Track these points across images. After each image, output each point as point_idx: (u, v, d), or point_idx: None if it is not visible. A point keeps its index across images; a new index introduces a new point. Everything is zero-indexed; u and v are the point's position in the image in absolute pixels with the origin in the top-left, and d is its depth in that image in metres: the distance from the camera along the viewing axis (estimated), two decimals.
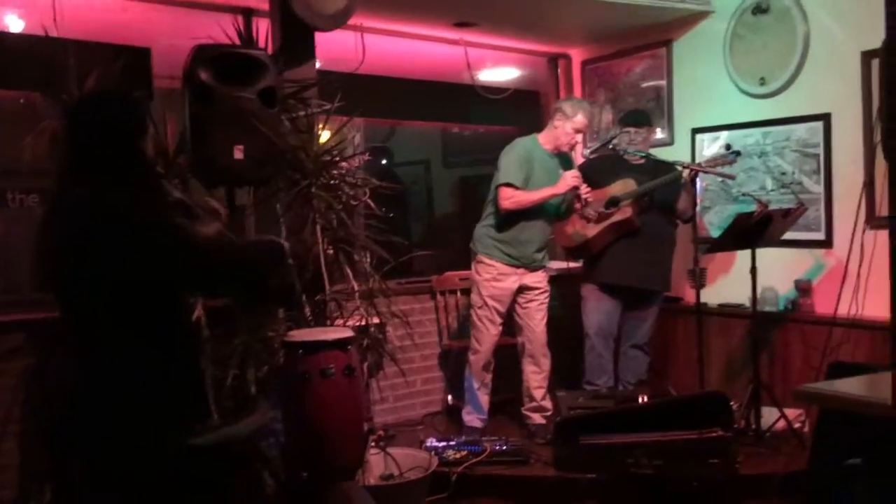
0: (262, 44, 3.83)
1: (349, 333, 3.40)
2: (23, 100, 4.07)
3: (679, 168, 4.46)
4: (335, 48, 4.46)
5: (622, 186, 4.59)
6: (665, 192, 4.57)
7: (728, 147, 4.53)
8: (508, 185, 4.35)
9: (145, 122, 2.37)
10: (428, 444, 4.14)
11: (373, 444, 3.81)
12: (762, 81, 4.80)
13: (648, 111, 5.14)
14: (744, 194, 4.86)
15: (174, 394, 2.20)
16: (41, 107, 3.54)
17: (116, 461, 2.11)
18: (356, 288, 3.85)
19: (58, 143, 2.40)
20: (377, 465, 3.79)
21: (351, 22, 4.13)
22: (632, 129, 4.69)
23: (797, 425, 4.11)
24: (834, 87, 4.46)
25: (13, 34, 4.33)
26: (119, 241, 2.10)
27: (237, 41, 3.75)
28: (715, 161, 4.48)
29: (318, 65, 4.25)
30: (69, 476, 2.24)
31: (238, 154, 3.37)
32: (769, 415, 4.18)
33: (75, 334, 2.23)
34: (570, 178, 4.35)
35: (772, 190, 4.76)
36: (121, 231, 2.11)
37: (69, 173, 2.28)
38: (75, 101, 2.54)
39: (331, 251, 3.86)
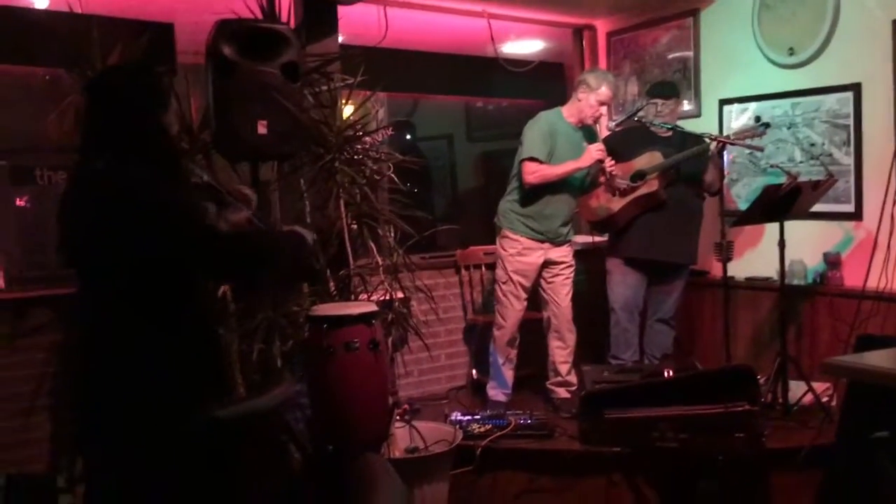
0: (284, 18, 3.82)
1: (373, 308, 3.41)
2: (48, 76, 4.10)
3: (707, 140, 4.40)
4: (357, 22, 4.44)
5: (648, 159, 4.54)
6: (692, 165, 4.51)
7: (757, 119, 4.47)
8: (532, 159, 4.32)
9: (166, 96, 2.35)
10: (452, 417, 4.15)
11: (398, 417, 3.82)
12: (791, 51, 4.71)
13: (675, 82, 5.07)
14: (772, 166, 4.79)
15: (194, 368, 2.20)
16: (66, 83, 3.55)
17: (139, 436, 2.12)
18: (380, 262, 3.86)
19: (80, 118, 2.37)
20: (402, 438, 3.81)
21: None
22: (659, 101, 4.63)
23: (825, 399, 4.07)
24: (864, 57, 4.37)
25: (38, 10, 4.35)
26: (132, 219, 2.10)
27: (260, 16, 3.74)
28: (744, 133, 4.41)
29: (340, 39, 4.24)
30: (94, 450, 2.25)
31: (262, 129, 3.38)
32: (796, 388, 4.15)
33: (94, 309, 2.23)
34: (595, 151, 4.32)
35: (801, 161, 4.69)
36: (134, 209, 2.10)
37: (89, 147, 2.27)
38: (96, 74, 2.51)
39: (354, 226, 3.88)
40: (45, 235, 5.41)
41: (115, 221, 2.11)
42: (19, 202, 5.59)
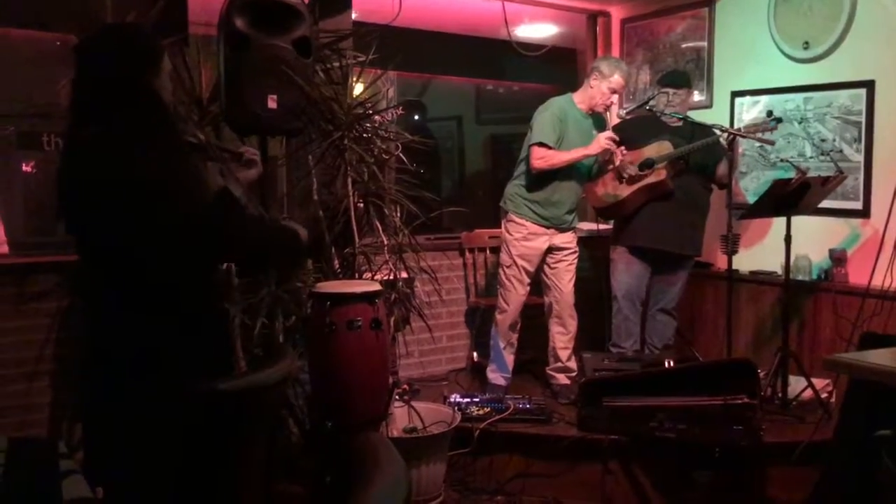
0: None
1: (377, 287, 3.41)
2: (59, 42, 4.08)
3: (717, 132, 4.38)
4: None
5: (657, 148, 4.52)
6: (701, 156, 4.50)
7: (769, 113, 4.44)
8: (541, 144, 4.31)
9: (157, 59, 2.24)
10: (452, 399, 4.16)
11: (397, 397, 3.83)
12: (806, 45, 4.69)
13: (688, 72, 5.05)
14: (782, 160, 4.78)
15: (198, 339, 2.20)
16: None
17: (140, 404, 2.12)
18: (385, 242, 3.85)
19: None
20: (401, 418, 3.82)
21: None
22: (670, 90, 4.60)
23: (824, 395, 4.08)
24: (879, 54, 4.35)
25: None
26: (117, 193, 2.05)
27: None
28: (755, 127, 4.39)
29: (353, 16, 4.22)
30: (96, 418, 2.25)
31: (272, 103, 3.37)
32: (796, 384, 4.16)
33: (95, 277, 2.22)
34: (604, 139, 4.30)
35: (811, 157, 4.67)
36: (125, 178, 2.05)
37: (80, 111, 2.20)
38: (85, 35, 2.42)
39: (361, 204, 3.87)
40: (51, 201, 5.43)
41: (103, 195, 2.07)
42: (26, 168, 5.59)
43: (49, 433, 3.73)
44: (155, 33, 2.38)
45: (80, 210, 2.16)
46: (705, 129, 4.46)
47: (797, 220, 4.22)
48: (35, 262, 3.75)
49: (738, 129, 4.41)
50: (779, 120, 4.38)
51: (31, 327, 3.68)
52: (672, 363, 4.35)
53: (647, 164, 4.53)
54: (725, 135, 4.33)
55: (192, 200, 2.12)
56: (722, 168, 4.49)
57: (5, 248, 4.33)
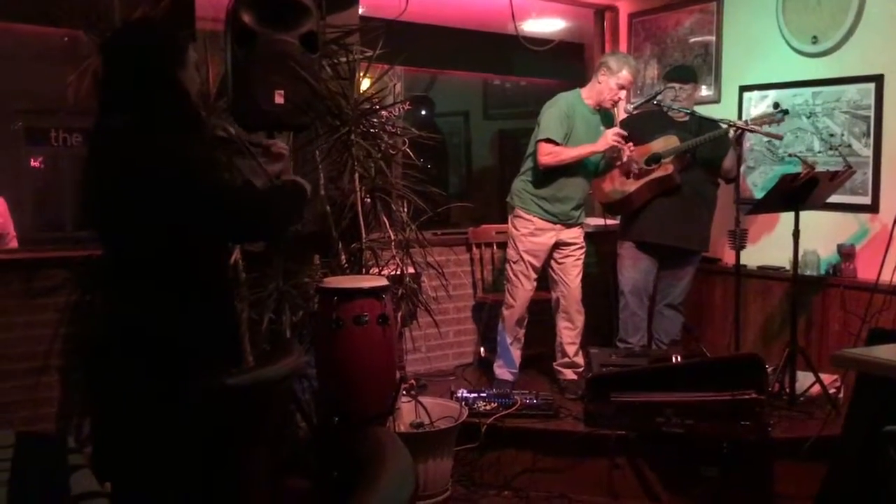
0: None
1: (384, 282, 3.42)
2: (66, 38, 4.09)
3: (724, 126, 4.37)
4: None
5: (664, 143, 4.51)
6: (708, 150, 4.48)
7: (776, 105, 4.42)
8: (548, 140, 4.30)
9: (181, 52, 2.27)
10: (459, 394, 4.16)
11: (404, 392, 3.84)
12: (814, 40, 4.66)
13: (696, 67, 5.03)
14: (790, 155, 4.77)
15: (207, 335, 2.21)
16: (85, 45, 3.55)
17: (149, 400, 2.13)
18: (392, 237, 3.86)
19: (97, 78, 2.34)
20: (408, 413, 3.82)
21: None
22: (676, 85, 4.59)
23: (832, 391, 4.07)
24: (888, 48, 4.32)
25: None
26: (149, 182, 2.08)
27: None
28: (762, 119, 4.38)
29: (360, 11, 4.22)
30: (104, 413, 2.26)
31: (278, 99, 3.36)
32: (804, 379, 4.15)
33: (112, 272, 2.24)
34: (612, 136, 4.29)
35: (819, 151, 4.66)
36: (151, 171, 2.09)
37: (106, 106, 2.24)
38: (111, 33, 2.45)
39: (368, 200, 3.87)
40: (59, 196, 5.46)
41: (132, 184, 2.09)
42: (34, 163, 5.62)
43: (57, 428, 3.74)
44: (176, 27, 2.40)
45: (102, 201, 2.19)
46: (713, 124, 4.44)
47: (805, 215, 4.21)
48: (43, 257, 3.77)
49: (746, 122, 4.39)
50: (785, 111, 4.37)
51: (39, 322, 3.70)
52: (679, 358, 4.34)
53: (654, 159, 4.52)
54: (733, 129, 4.32)
55: (212, 187, 2.18)
56: (728, 161, 4.48)
57: (15, 243, 4.36)
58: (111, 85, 2.25)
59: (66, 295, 3.73)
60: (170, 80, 2.22)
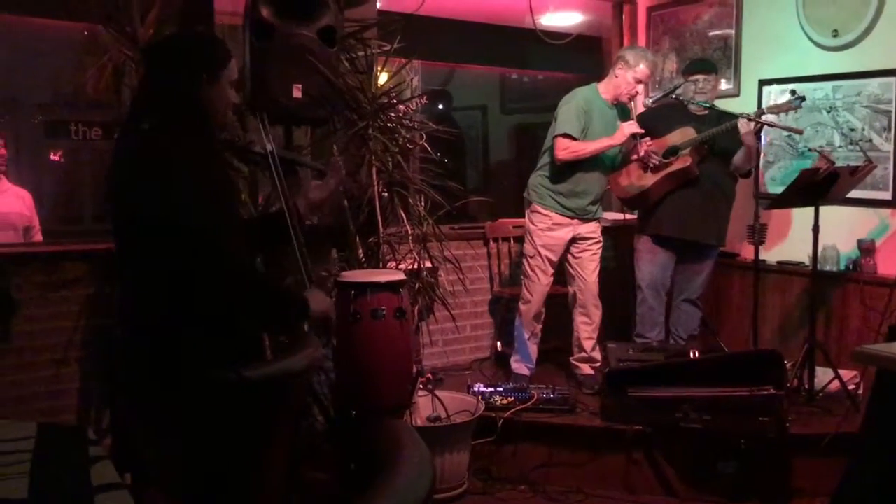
0: None
1: (401, 276, 3.42)
2: (86, 31, 4.12)
3: (744, 118, 4.32)
4: None
5: (681, 135, 4.49)
6: (726, 142, 4.45)
7: (793, 93, 4.38)
8: (565, 135, 4.29)
9: (213, 65, 2.29)
10: (475, 389, 4.16)
11: (421, 386, 3.85)
12: (835, 33, 4.63)
13: (715, 61, 5.00)
14: (810, 150, 4.73)
15: (226, 327, 2.22)
16: (104, 39, 3.57)
17: (167, 392, 2.15)
18: (410, 231, 3.86)
19: (121, 77, 2.39)
20: (425, 407, 3.83)
21: None
22: (700, 77, 4.54)
23: (851, 387, 4.04)
24: None
25: None
26: (159, 187, 2.10)
27: None
28: (779, 107, 4.34)
29: (378, 5, 4.22)
30: (124, 405, 2.28)
31: (297, 93, 3.38)
32: (823, 375, 4.12)
33: (130, 268, 2.25)
34: (628, 129, 4.27)
35: (839, 146, 4.62)
36: (164, 177, 2.11)
37: (138, 108, 2.30)
38: (158, 39, 2.53)
39: (386, 194, 3.88)
40: (80, 189, 5.50)
41: (142, 191, 2.13)
42: (54, 156, 5.66)
43: (77, 419, 3.78)
44: (222, 42, 2.43)
45: (121, 198, 2.22)
46: (732, 117, 4.41)
47: (825, 210, 4.17)
48: (65, 250, 3.79)
49: (762, 111, 4.35)
50: (802, 98, 4.32)
51: (60, 314, 3.73)
52: (697, 354, 4.33)
53: (672, 152, 4.50)
54: (753, 122, 4.28)
55: (197, 214, 2.11)
56: (738, 157, 4.44)
57: (40, 236, 4.40)
58: (146, 90, 2.31)
59: (86, 287, 3.76)
60: (188, 98, 2.25)
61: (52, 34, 4.99)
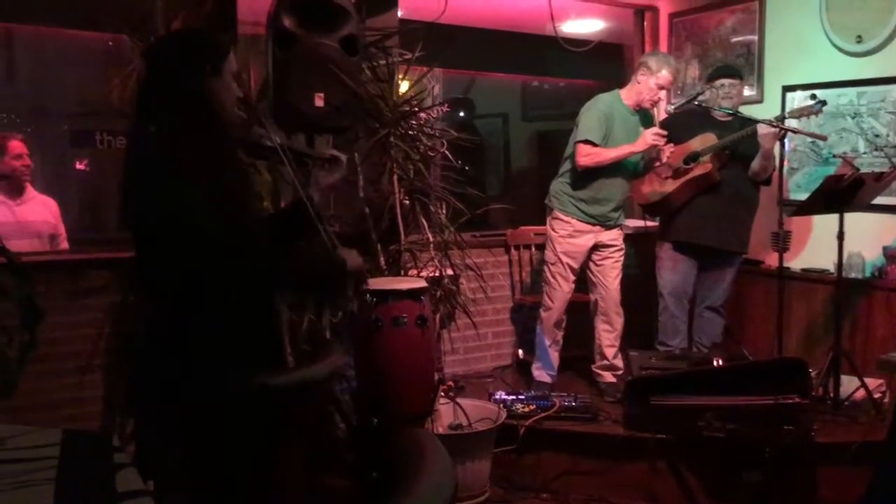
0: None
1: (423, 284, 3.42)
2: (111, 42, 4.17)
3: (766, 123, 4.28)
4: None
5: (701, 141, 4.47)
6: (747, 148, 4.42)
7: (814, 97, 4.34)
8: (587, 141, 4.28)
9: (214, 58, 2.27)
10: (497, 396, 4.16)
11: (442, 393, 3.84)
12: (859, 39, 4.59)
13: (738, 67, 4.97)
14: (834, 156, 4.69)
15: (249, 334, 2.22)
16: (128, 49, 3.61)
17: (190, 399, 2.14)
18: (431, 239, 3.86)
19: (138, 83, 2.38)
20: (446, 414, 3.83)
21: None
22: (727, 82, 4.51)
23: (877, 395, 4.00)
24: None
25: None
26: (171, 187, 2.09)
27: None
28: (800, 111, 4.31)
29: (399, 13, 4.23)
30: (147, 413, 2.28)
31: (318, 101, 3.40)
32: (848, 384, 4.07)
33: (148, 274, 2.25)
34: (650, 136, 4.26)
35: (864, 152, 4.58)
36: (174, 177, 2.09)
37: (141, 111, 2.27)
38: (154, 41, 2.50)
39: (407, 201, 3.88)
40: (105, 198, 5.55)
41: (154, 191, 2.11)
42: (79, 165, 5.72)
43: (101, 426, 3.80)
44: (219, 37, 2.42)
45: (134, 205, 2.21)
46: (754, 124, 4.38)
47: (850, 217, 4.13)
48: (90, 258, 3.83)
49: (784, 116, 4.31)
50: (823, 102, 4.29)
51: (84, 321, 3.76)
52: (721, 362, 4.30)
53: (693, 158, 4.48)
54: (776, 129, 4.25)
55: (212, 212, 2.10)
56: (757, 162, 4.41)
57: (66, 244, 4.44)
58: (148, 92, 2.28)
59: (110, 295, 3.79)
60: (193, 92, 2.23)
61: (78, 45, 5.06)
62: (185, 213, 2.08)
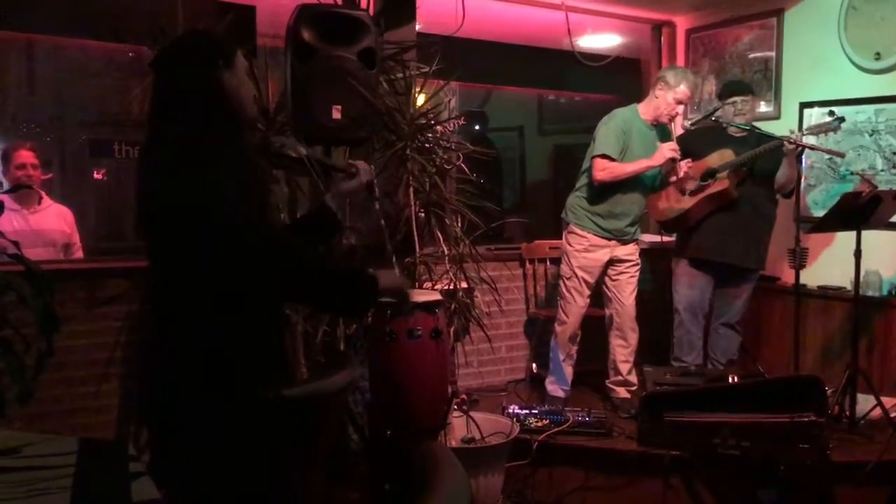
0: (364, 4, 3.85)
1: (437, 297, 3.41)
2: (131, 53, 4.20)
3: (785, 141, 4.28)
4: (435, 10, 4.44)
5: (719, 157, 4.46)
6: (765, 164, 4.41)
7: (832, 113, 4.33)
8: (604, 156, 4.28)
9: (225, 54, 2.25)
10: (510, 410, 4.15)
11: (456, 407, 3.84)
12: (877, 56, 4.58)
13: (755, 83, 4.97)
14: (852, 173, 4.67)
15: (261, 346, 2.22)
16: (149, 60, 3.63)
17: (202, 411, 2.13)
18: (446, 252, 3.86)
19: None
20: (459, 428, 3.82)
21: None
22: (738, 99, 4.51)
23: (894, 414, 3.97)
24: None
25: None
26: (176, 196, 2.06)
27: (340, 1, 3.77)
28: (818, 127, 4.29)
29: (417, 27, 4.25)
30: (160, 423, 2.28)
31: (336, 114, 3.41)
32: (865, 402, 4.04)
33: (161, 282, 2.23)
34: (667, 150, 4.25)
35: (882, 170, 4.56)
36: (187, 177, 2.06)
37: (153, 118, 2.26)
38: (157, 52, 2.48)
39: (422, 214, 3.89)
40: (123, 208, 5.60)
41: (167, 194, 2.09)
42: (97, 175, 5.77)
43: (117, 435, 3.82)
44: (225, 35, 2.41)
45: (148, 212, 2.20)
46: (771, 139, 4.37)
47: (867, 235, 4.11)
48: (107, 266, 3.85)
49: (801, 134, 4.30)
50: (842, 119, 4.27)
51: (101, 330, 3.78)
52: (736, 379, 4.27)
53: (710, 174, 4.47)
54: (794, 146, 4.24)
55: (230, 208, 2.05)
56: (782, 174, 4.39)
57: (81, 253, 4.47)
58: (159, 98, 2.26)
59: (126, 304, 3.81)
60: (209, 88, 2.20)
61: (99, 55, 5.11)
62: (216, 213, 2.03)
